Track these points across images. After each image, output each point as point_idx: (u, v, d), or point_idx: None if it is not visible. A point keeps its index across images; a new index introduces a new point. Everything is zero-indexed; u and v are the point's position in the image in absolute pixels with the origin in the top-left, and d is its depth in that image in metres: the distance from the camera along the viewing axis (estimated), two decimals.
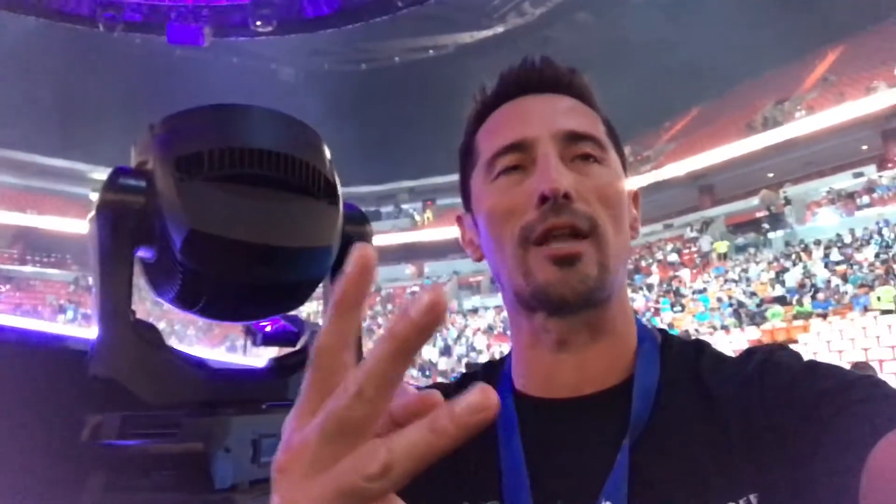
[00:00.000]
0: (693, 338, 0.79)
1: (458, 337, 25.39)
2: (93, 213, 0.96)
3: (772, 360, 0.67)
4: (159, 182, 0.95)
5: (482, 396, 0.31)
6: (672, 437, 0.65)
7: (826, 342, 14.11)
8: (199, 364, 0.97)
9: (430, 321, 0.31)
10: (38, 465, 0.88)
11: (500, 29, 33.81)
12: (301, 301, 1.11)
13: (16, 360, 0.93)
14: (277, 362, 1.06)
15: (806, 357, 0.70)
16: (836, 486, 0.54)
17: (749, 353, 0.71)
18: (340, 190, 1.08)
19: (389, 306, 31.86)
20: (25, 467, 0.87)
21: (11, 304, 28.15)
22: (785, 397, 0.62)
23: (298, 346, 1.11)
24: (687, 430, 0.65)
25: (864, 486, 0.51)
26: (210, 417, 0.84)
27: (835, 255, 18.04)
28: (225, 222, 0.93)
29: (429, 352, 24.33)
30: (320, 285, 1.13)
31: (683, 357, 0.73)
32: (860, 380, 0.60)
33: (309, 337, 1.12)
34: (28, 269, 31.03)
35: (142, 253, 1.00)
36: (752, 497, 0.59)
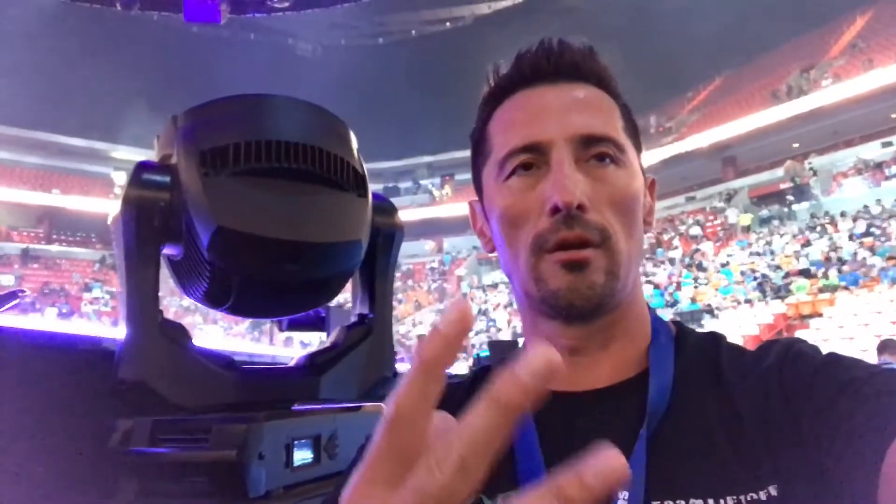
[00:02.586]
0: (709, 331, 0.78)
1: (479, 312, 25.45)
2: (117, 210, 0.94)
3: (791, 352, 0.67)
4: (184, 177, 0.92)
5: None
6: (690, 428, 0.65)
7: (853, 315, 13.90)
8: (228, 364, 0.95)
9: (542, 384, 0.29)
10: (69, 470, 0.86)
11: None
12: (332, 296, 1.08)
13: (44, 363, 0.92)
14: (309, 360, 1.04)
15: (831, 331, 0.68)
16: (855, 478, 0.53)
17: (768, 346, 0.70)
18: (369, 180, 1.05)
19: (410, 282, 31.97)
20: (55, 473, 0.85)
21: (39, 283, 28.66)
22: (805, 389, 0.62)
23: (330, 342, 1.08)
24: (705, 422, 0.65)
25: (883, 479, 0.51)
26: (242, 424, 0.81)
27: (861, 227, 17.70)
28: (252, 218, 0.90)
29: None
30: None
31: (699, 349, 0.73)
32: (881, 373, 0.59)
33: (340, 332, 1.09)
34: (54, 248, 31.50)
35: (168, 250, 0.97)
36: (772, 489, 0.59)
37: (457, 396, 0.80)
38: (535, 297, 0.70)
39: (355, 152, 1.03)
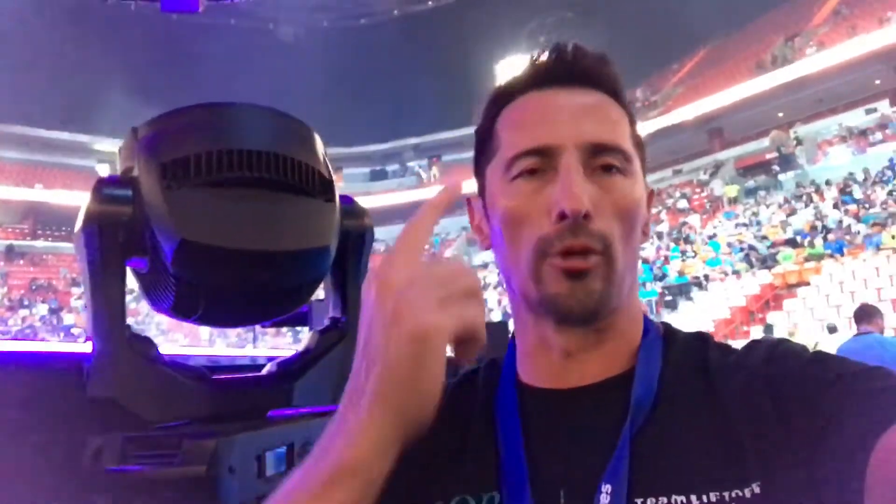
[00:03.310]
0: (696, 331, 0.79)
1: None
2: (79, 225, 0.93)
3: (778, 351, 0.67)
4: (146, 190, 0.91)
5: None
6: (674, 425, 0.65)
7: (839, 283, 14.04)
8: (200, 376, 0.95)
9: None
10: (43, 488, 0.86)
11: None
12: (303, 301, 1.08)
13: (16, 380, 0.91)
14: (280, 367, 1.04)
15: (818, 300, 0.70)
16: (841, 476, 0.54)
17: (754, 345, 0.70)
18: (336, 184, 1.04)
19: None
20: (30, 491, 0.85)
21: (26, 279, 28.46)
22: (791, 387, 0.62)
23: (303, 348, 1.08)
24: (690, 419, 0.65)
25: (869, 476, 0.51)
26: (212, 438, 0.81)
27: (846, 194, 17.83)
28: (217, 230, 0.90)
29: None
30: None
31: (687, 348, 0.73)
32: (867, 370, 0.60)
33: (312, 337, 1.09)
34: (40, 243, 31.23)
35: (133, 264, 0.97)
36: (756, 486, 0.59)
37: (465, 388, 0.80)
38: (532, 299, 0.70)
39: (321, 157, 1.02)
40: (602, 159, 0.69)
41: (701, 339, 0.75)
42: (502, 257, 0.75)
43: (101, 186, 0.92)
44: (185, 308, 0.96)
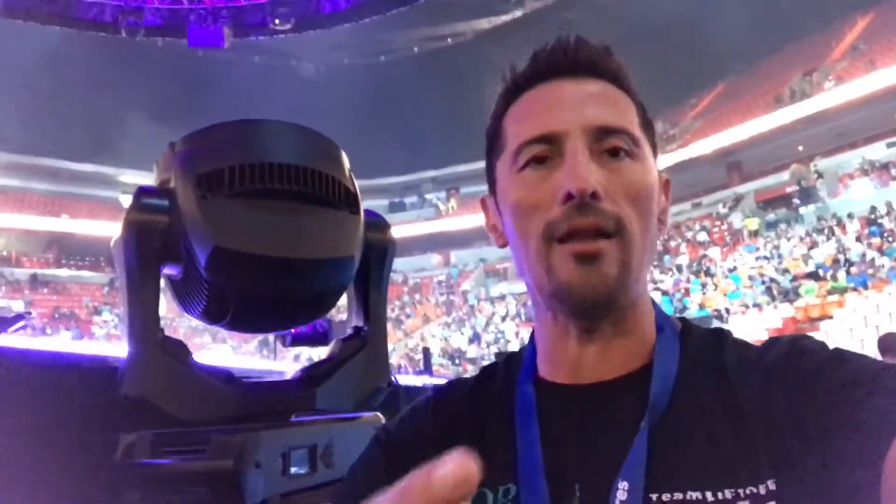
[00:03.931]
0: (714, 326, 0.77)
1: (487, 324, 25.40)
2: (118, 234, 0.98)
3: (796, 348, 0.67)
4: (182, 200, 0.96)
5: (459, 467, 0.31)
6: (691, 421, 0.65)
7: (862, 317, 13.80)
8: (228, 379, 0.99)
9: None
10: (76, 481, 0.90)
11: (518, 13, 33.50)
12: (326, 310, 1.11)
13: (52, 381, 0.96)
14: (305, 373, 1.07)
15: (841, 333, 0.69)
16: (856, 475, 0.54)
17: (773, 342, 0.70)
18: (361, 198, 1.08)
19: (417, 296, 31.96)
20: (64, 484, 0.89)
21: (49, 307, 28.83)
22: (808, 385, 0.62)
23: (326, 355, 1.12)
24: (706, 416, 0.65)
25: (885, 475, 0.51)
26: (239, 434, 0.85)
27: (868, 228, 17.62)
28: (248, 238, 0.94)
29: (458, 340, 24.39)
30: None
31: (704, 345, 0.72)
32: (886, 369, 0.59)
33: (335, 345, 1.13)
34: (63, 272, 31.72)
35: (168, 270, 1.01)
36: (771, 483, 0.59)
37: (459, 398, 0.82)
38: (546, 290, 0.69)
39: (347, 171, 1.07)
40: (609, 142, 0.69)
41: (719, 335, 0.75)
42: (515, 251, 0.74)
43: (140, 196, 0.98)
44: (216, 313, 1.00)
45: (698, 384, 0.68)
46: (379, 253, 1.15)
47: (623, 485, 0.62)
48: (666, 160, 25.87)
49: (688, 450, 0.63)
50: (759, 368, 0.66)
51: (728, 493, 0.60)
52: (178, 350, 0.97)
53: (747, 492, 0.59)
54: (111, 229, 1.00)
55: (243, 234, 0.94)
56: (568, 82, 0.73)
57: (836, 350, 0.65)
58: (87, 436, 0.91)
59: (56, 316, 28.29)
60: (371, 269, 1.15)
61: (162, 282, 1.01)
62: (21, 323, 1.11)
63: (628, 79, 0.76)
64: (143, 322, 0.95)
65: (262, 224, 0.95)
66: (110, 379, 0.94)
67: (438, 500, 0.30)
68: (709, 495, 0.60)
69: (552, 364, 0.75)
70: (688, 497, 0.60)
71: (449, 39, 35.82)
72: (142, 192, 0.98)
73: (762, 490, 0.59)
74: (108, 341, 26.19)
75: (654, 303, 0.77)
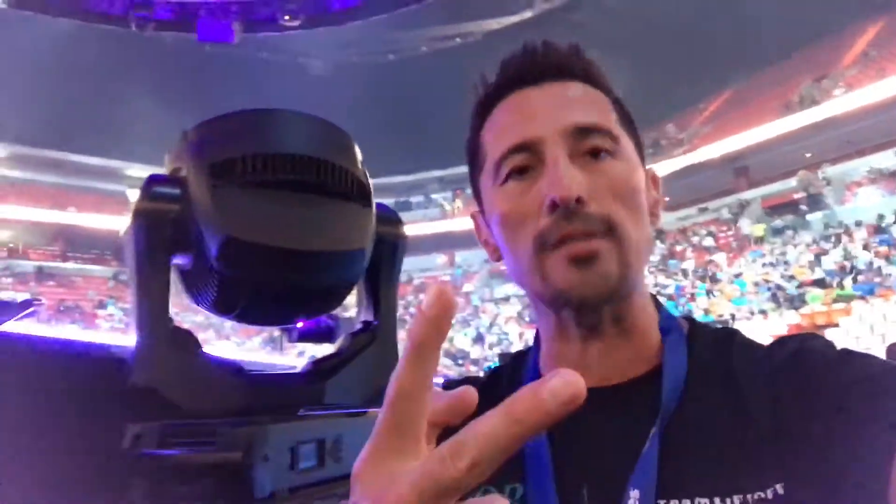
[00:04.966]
0: (722, 325, 0.76)
1: (491, 325, 25.39)
2: (128, 222, 0.97)
3: (804, 348, 0.66)
4: (193, 189, 0.95)
5: (570, 379, 0.31)
6: (700, 426, 0.64)
7: (869, 326, 13.75)
8: (237, 371, 0.98)
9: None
10: (83, 471, 0.89)
11: (527, 14, 33.42)
12: (336, 304, 1.10)
13: (60, 369, 0.95)
14: (314, 366, 1.06)
15: (847, 341, 0.68)
16: (864, 477, 0.53)
17: (781, 342, 0.70)
18: (373, 191, 1.07)
19: (422, 296, 31.91)
20: (70, 473, 0.88)
21: (55, 300, 28.93)
22: (816, 386, 0.61)
23: (335, 349, 1.11)
24: (715, 420, 0.64)
25: (893, 479, 0.51)
26: (247, 427, 0.84)
27: (876, 236, 17.55)
28: (260, 228, 0.93)
29: (461, 341, 24.38)
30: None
31: (712, 346, 0.72)
32: (892, 370, 0.59)
33: (345, 339, 1.12)
34: (69, 265, 31.83)
35: (178, 260, 1.00)
36: (779, 487, 0.59)
37: (492, 382, 0.81)
38: (545, 297, 0.69)
39: (359, 164, 1.06)
40: (588, 143, 0.68)
41: (727, 335, 0.74)
42: (508, 263, 0.74)
43: (152, 184, 0.96)
44: (226, 304, 0.99)
45: (706, 388, 0.67)
46: (390, 247, 1.14)
47: (634, 493, 0.62)
48: (674, 165, 25.83)
49: (696, 455, 0.63)
50: (767, 369, 0.66)
51: (737, 500, 0.59)
52: (188, 340, 0.96)
53: (755, 497, 0.59)
54: (118, 223, 0.99)
55: (255, 225, 0.93)
56: (538, 89, 0.72)
57: (844, 350, 0.65)
58: (94, 425, 0.90)
59: (61, 309, 28.38)
60: (382, 264, 1.13)
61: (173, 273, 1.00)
62: (30, 309, 1.10)
63: (602, 76, 0.75)
64: (152, 311, 0.94)
65: (275, 214, 0.94)
66: (118, 368, 0.93)
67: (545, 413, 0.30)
68: (717, 501, 0.60)
69: (555, 363, 0.75)
70: (696, 503, 0.60)
71: (458, 39, 35.78)
72: (153, 180, 0.97)
73: (770, 494, 0.59)
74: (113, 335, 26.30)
75: (659, 305, 0.77)
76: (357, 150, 1.07)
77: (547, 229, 0.66)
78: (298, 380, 1.04)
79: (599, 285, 0.65)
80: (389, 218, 1.15)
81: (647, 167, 0.77)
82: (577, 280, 0.65)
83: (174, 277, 1.01)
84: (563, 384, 0.31)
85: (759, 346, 0.73)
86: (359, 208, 1.02)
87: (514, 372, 0.81)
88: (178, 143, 1.02)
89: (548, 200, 0.65)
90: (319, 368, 1.05)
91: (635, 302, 0.71)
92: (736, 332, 0.75)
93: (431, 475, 0.31)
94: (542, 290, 0.69)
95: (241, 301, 0.98)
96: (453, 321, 0.32)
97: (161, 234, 0.95)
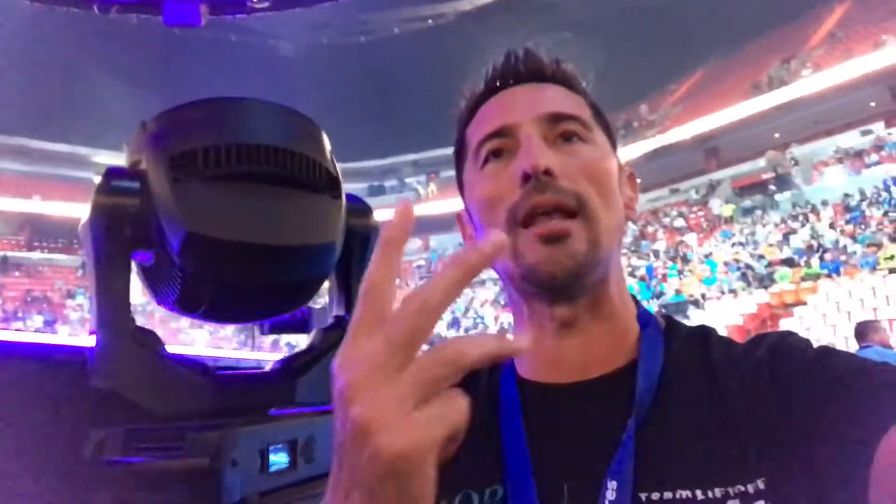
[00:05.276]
0: (699, 324, 0.79)
1: (466, 309, 25.46)
2: (86, 217, 0.92)
3: (783, 345, 0.67)
4: (153, 183, 0.91)
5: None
6: (677, 420, 0.65)
7: (835, 303, 14.06)
8: (203, 370, 0.94)
9: (492, 255, 0.40)
10: (44, 479, 0.85)
11: None
12: (307, 299, 1.07)
13: (13, 372, 0.90)
14: (285, 364, 1.03)
15: (814, 319, 0.70)
16: (846, 472, 0.54)
17: (759, 339, 0.70)
18: (346, 176, 1.04)
19: (397, 281, 31.85)
20: (25, 486, 0.84)
21: (21, 291, 28.34)
22: (796, 382, 0.62)
23: (307, 346, 1.08)
24: (693, 414, 0.65)
25: (874, 472, 0.51)
26: (215, 431, 0.81)
27: (842, 215, 17.91)
28: (223, 223, 0.89)
29: (437, 325, 24.40)
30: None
31: (689, 342, 0.73)
32: (873, 366, 0.60)
33: (316, 334, 1.09)
34: (36, 255, 31.17)
35: (139, 257, 0.96)
36: (761, 482, 0.59)
37: (467, 382, 0.80)
38: (514, 274, 0.70)
39: (328, 153, 1.02)
40: (560, 127, 0.71)
41: (703, 332, 0.75)
42: None
43: (109, 179, 0.92)
44: (190, 302, 0.96)
45: (684, 381, 0.68)
46: (361, 239, 1.11)
47: (612, 484, 0.61)
48: (646, 146, 26.03)
49: (676, 448, 0.63)
50: (747, 366, 0.66)
51: (718, 492, 0.59)
52: (150, 340, 0.92)
53: (737, 490, 0.59)
54: (85, 211, 0.95)
55: (218, 219, 0.89)
56: (520, 88, 0.76)
57: (823, 347, 0.66)
58: (55, 431, 0.86)
59: (28, 300, 27.83)
60: (353, 257, 1.10)
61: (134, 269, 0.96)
62: None
63: (580, 84, 0.79)
64: (112, 310, 0.90)
65: (238, 208, 0.90)
66: (79, 370, 0.89)
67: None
68: (698, 493, 0.60)
69: (530, 360, 0.75)
70: (677, 496, 0.60)
71: (430, 20, 35.51)
72: (111, 173, 0.92)
73: (751, 488, 0.59)
74: (83, 325, 25.87)
75: (636, 300, 0.77)
76: (325, 139, 1.04)
77: (518, 202, 0.68)
78: (268, 378, 1.01)
79: (568, 263, 0.66)
80: (360, 209, 1.11)
81: (624, 166, 0.79)
82: (546, 256, 0.66)
83: (136, 275, 0.98)
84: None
85: (737, 342, 0.73)
86: (327, 199, 0.99)
87: (491, 370, 0.81)
88: (138, 134, 0.98)
89: (519, 172, 0.68)
90: (290, 366, 1.02)
91: (611, 290, 0.72)
92: (712, 330, 0.76)
93: (395, 324, 0.39)
94: (514, 268, 0.69)
95: (205, 299, 0.95)
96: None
97: (120, 230, 0.91)
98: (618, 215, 0.72)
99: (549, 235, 0.66)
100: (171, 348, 0.95)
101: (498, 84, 0.78)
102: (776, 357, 0.65)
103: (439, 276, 0.40)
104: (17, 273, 29.87)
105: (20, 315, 26.19)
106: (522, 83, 0.76)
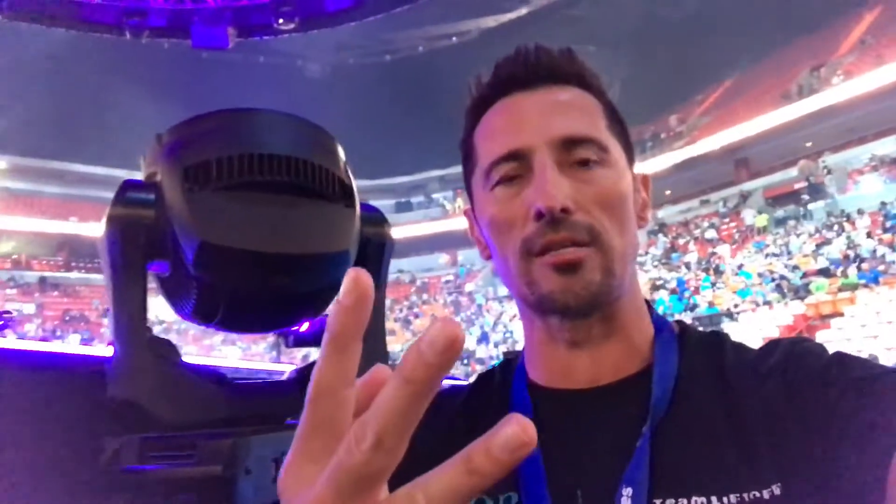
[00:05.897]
0: (712, 330, 0.77)
1: (495, 324, 25.36)
2: (102, 229, 0.94)
3: (796, 350, 0.66)
4: (168, 194, 0.92)
5: (519, 430, 0.27)
6: (693, 425, 0.64)
7: (875, 313, 13.69)
8: (219, 380, 0.95)
9: (447, 360, 0.28)
10: (61, 487, 0.86)
11: (523, 10, 33.42)
12: (321, 309, 1.07)
13: (38, 382, 0.92)
14: (301, 373, 1.03)
15: (853, 330, 0.68)
16: (862, 478, 0.53)
17: (773, 345, 0.70)
18: (357, 191, 1.04)
19: (424, 296, 31.94)
20: (48, 490, 0.85)
21: (60, 310, 28.99)
22: (810, 388, 0.61)
23: None
24: (708, 420, 0.64)
25: (891, 480, 0.50)
26: (229, 439, 0.81)
27: (880, 224, 17.49)
28: (237, 232, 0.90)
29: (467, 340, 24.32)
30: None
31: (703, 348, 0.72)
32: (888, 372, 0.59)
33: None
34: (73, 275, 31.90)
35: (155, 268, 0.97)
36: (776, 487, 0.58)
37: (455, 402, 0.79)
38: (530, 301, 0.70)
39: (341, 163, 1.02)
40: (577, 154, 0.69)
41: (717, 338, 0.74)
42: (497, 265, 0.76)
43: (125, 191, 0.94)
44: (206, 312, 0.96)
45: (698, 387, 0.67)
46: (377, 248, 1.11)
47: (627, 490, 0.61)
48: (674, 157, 25.79)
49: (690, 454, 0.62)
50: (761, 371, 0.66)
51: (733, 498, 0.59)
52: (166, 350, 0.93)
53: (751, 496, 0.59)
54: (102, 223, 0.96)
55: (232, 229, 0.90)
56: (531, 94, 0.73)
57: (838, 353, 0.65)
58: (72, 440, 0.87)
59: (66, 319, 28.45)
60: (368, 265, 1.10)
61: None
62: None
63: (594, 79, 0.76)
64: (129, 321, 0.91)
65: (252, 218, 0.91)
66: (96, 381, 0.90)
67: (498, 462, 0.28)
68: (713, 500, 0.59)
69: (542, 366, 0.75)
70: (692, 502, 0.60)
71: (454, 38, 35.77)
72: (127, 185, 0.94)
73: (766, 494, 0.58)
74: None
75: (650, 306, 0.77)
76: (339, 148, 1.04)
77: (532, 236, 0.67)
78: (285, 388, 1.01)
79: (582, 293, 0.66)
80: (375, 218, 1.11)
81: (637, 171, 0.77)
82: (560, 287, 0.66)
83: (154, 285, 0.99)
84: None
85: (750, 348, 0.72)
86: (341, 209, 0.99)
87: (504, 377, 0.81)
88: (153, 146, 0.99)
89: (534, 209, 0.66)
90: (305, 376, 1.02)
91: (623, 306, 0.71)
92: (726, 335, 0.75)
93: (341, 466, 0.29)
94: (528, 295, 0.69)
95: (220, 308, 0.95)
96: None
97: (136, 241, 0.92)
98: (632, 238, 0.71)
99: (562, 264, 0.66)
100: (186, 358, 0.95)
101: (508, 85, 0.75)
102: (790, 363, 0.65)
103: (387, 401, 0.29)
104: (55, 293, 30.59)
105: (58, 334, 26.76)
106: (534, 86, 0.73)
